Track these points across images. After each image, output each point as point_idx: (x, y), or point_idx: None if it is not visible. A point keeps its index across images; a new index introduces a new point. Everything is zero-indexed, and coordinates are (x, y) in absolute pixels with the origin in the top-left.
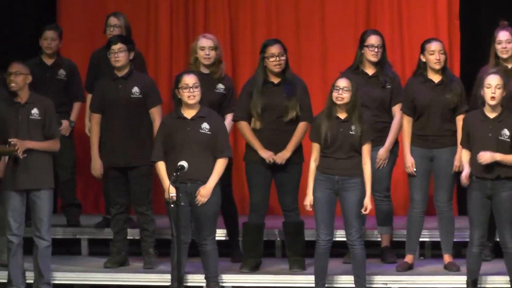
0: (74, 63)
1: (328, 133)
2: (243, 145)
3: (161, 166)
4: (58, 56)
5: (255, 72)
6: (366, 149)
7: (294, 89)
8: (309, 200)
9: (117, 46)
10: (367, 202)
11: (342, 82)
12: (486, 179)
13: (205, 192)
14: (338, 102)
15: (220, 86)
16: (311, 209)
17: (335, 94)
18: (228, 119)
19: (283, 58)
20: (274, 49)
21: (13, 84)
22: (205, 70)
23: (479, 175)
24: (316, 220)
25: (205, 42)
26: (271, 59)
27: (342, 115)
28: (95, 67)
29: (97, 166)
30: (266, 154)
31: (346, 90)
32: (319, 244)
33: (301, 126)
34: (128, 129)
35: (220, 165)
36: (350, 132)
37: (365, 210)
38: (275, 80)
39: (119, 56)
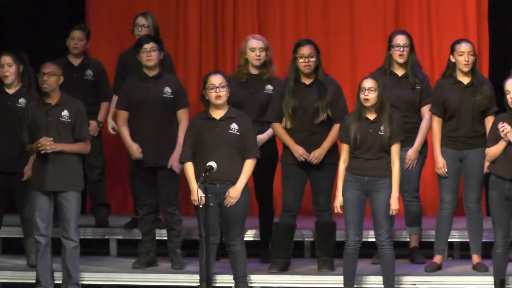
0: (101, 63)
1: (358, 134)
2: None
3: (189, 167)
4: (86, 56)
5: (288, 72)
6: (395, 149)
7: (325, 90)
8: (338, 201)
9: (150, 45)
10: (392, 203)
11: (368, 83)
12: (504, 179)
13: (234, 193)
14: (366, 104)
15: (269, 87)
16: (340, 211)
17: (362, 96)
18: None
19: (313, 59)
20: (305, 50)
21: (45, 85)
22: (254, 71)
23: (498, 174)
24: (345, 220)
25: (255, 43)
26: (300, 60)
27: (371, 116)
28: (123, 68)
29: (134, 149)
30: (297, 152)
31: (372, 90)
32: (348, 245)
33: (336, 126)
34: (158, 129)
35: (249, 165)
36: (379, 133)
37: (391, 212)
38: (307, 81)
39: (152, 55)
